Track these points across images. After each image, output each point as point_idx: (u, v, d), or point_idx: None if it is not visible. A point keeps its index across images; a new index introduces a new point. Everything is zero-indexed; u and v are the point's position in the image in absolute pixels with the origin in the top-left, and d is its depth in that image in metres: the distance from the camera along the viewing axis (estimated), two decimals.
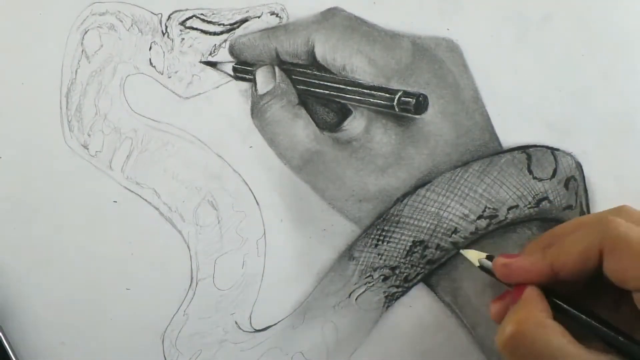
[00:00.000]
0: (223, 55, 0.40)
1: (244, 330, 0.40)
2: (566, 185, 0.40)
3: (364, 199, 0.39)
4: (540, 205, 0.40)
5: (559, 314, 0.32)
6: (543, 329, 0.31)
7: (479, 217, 0.39)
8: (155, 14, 0.39)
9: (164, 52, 0.39)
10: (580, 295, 0.33)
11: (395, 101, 0.37)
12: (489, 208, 0.39)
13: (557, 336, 0.30)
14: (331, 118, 0.40)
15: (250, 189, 0.40)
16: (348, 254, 0.40)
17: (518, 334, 0.31)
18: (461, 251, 0.37)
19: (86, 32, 0.39)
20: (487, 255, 0.36)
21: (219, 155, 0.39)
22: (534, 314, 0.32)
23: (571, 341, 0.30)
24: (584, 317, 0.32)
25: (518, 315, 0.32)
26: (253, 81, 0.39)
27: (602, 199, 0.41)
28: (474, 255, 0.36)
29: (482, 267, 0.36)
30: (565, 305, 0.32)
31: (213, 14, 0.40)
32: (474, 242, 0.39)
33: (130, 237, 0.39)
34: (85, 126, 0.39)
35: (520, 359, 0.31)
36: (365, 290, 0.40)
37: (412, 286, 0.40)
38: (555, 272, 0.32)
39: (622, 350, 0.30)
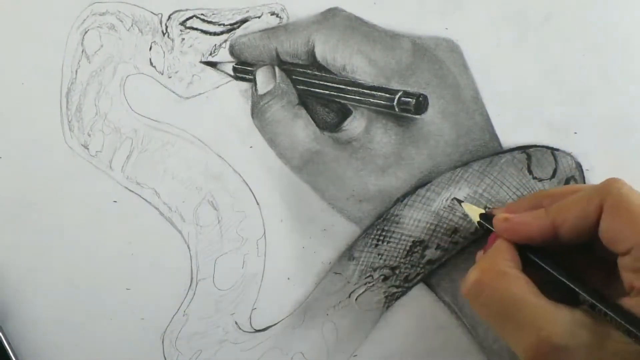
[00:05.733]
0: (223, 55, 0.40)
1: (244, 330, 0.40)
2: None
3: (364, 199, 0.39)
4: None
5: (532, 270, 0.32)
6: (504, 277, 0.31)
7: None
8: (155, 14, 0.39)
9: (164, 52, 0.39)
10: (573, 265, 0.33)
11: (395, 101, 0.37)
12: (489, 208, 0.39)
13: (518, 285, 0.30)
14: (331, 118, 0.40)
15: (250, 189, 0.40)
16: (348, 254, 0.40)
17: (480, 281, 0.31)
18: (463, 205, 0.37)
19: (86, 32, 0.39)
20: (485, 211, 0.36)
21: (219, 155, 0.39)
22: (498, 263, 0.32)
23: (533, 292, 0.30)
24: (550, 270, 0.32)
25: (483, 264, 0.33)
26: (253, 81, 0.39)
27: None
28: (474, 212, 0.36)
29: (480, 223, 0.36)
30: (534, 258, 0.33)
31: (213, 14, 0.40)
32: (474, 242, 0.39)
33: (130, 237, 0.39)
34: (86, 126, 0.39)
35: (482, 306, 0.31)
36: (365, 290, 0.40)
37: (412, 286, 0.40)
38: (556, 228, 0.32)
39: (589, 304, 0.30)
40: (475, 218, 0.36)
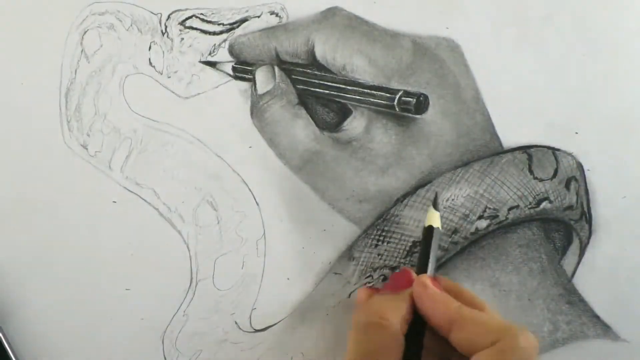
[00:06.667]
0: (222, 55, 0.40)
1: (244, 331, 0.40)
2: (567, 186, 0.40)
3: (364, 199, 0.39)
4: (541, 206, 0.40)
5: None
6: (385, 332, 0.31)
7: (480, 217, 0.39)
8: (154, 14, 0.39)
9: (163, 52, 0.39)
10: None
11: (396, 101, 0.37)
12: (490, 208, 0.39)
13: (390, 346, 0.31)
14: (331, 118, 0.40)
15: (250, 189, 0.39)
16: (348, 254, 0.40)
17: (366, 322, 0.32)
18: (431, 208, 0.36)
19: (86, 32, 0.39)
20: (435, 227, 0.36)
21: (219, 155, 0.39)
22: (391, 315, 0.32)
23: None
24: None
25: (382, 305, 0.33)
26: (253, 81, 0.39)
27: (603, 199, 0.41)
28: (433, 218, 0.36)
29: (426, 231, 0.35)
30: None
31: (212, 13, 0.39)
32: (474, 242, 0.39)
33: (130, 237, 0.39)
34: (85, 126, 0.39)
35: (353, 338, 0.32)
36: None
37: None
38: (449, 331, 0.31)
39: None
40: (427, 223, 0.36)
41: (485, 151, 0.40)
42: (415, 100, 0.37)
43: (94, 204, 0.39)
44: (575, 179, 0.40)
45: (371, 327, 0.32)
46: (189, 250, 0.39)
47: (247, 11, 0.40)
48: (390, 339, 0.31)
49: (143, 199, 0.39)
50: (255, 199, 0.39)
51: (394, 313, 0.32)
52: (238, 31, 0.40)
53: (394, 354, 0.31)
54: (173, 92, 0.39)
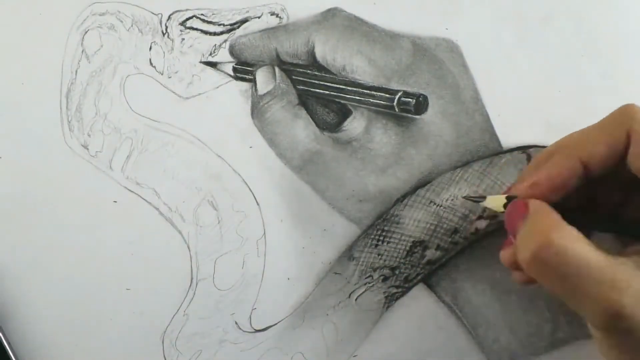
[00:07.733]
0: (223, 55, 0.40)
1: (244, 331, 0.40)
2: None
3: (364, 199, 0.39)
4: None
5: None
6: (569, 237, 0.27)
7: (479, 218, 0.39)
8: (155, 14, 0.39)
9: (164, 52, 0.39)
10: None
11: (395, 101, 0.37)
12: (489, 208, 0.39)
13: (580, 251, 0.27)
14: (331, 118, 0.40)
15: (250, 189, 0.40)
16: (348, 254, 0.40)
17: (545, 245, 0.27)
18: (488, 197, 0.34)
19: (86, 32, 0.39)
20: (506, 197, 0.33)
21: (219, 155, 0.39)
22: (555, 223, 0.28)
23: (596, 249, 0.27)
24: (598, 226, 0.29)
25: (537, 228, 0.28)
26: (253, 81, 0.40)
27: None
28: (498, 203, 0.33)
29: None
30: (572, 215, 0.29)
31: (213, 14, 0.40)
32: (474, 242, 0.39)
33: (130, 237, 0.39)
34: (85, 126, 0.39)
35: (551, 275, 0.28)
36: (365, 290, 0.40)
37: (412, 286, 0.40)
38: (585, 165, 0.30)
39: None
40: (500, 209, 0.33)
41: (485, 151, 0.40)
42: (414, 100, 0.37)
43: (95, 204, 0.39)
44: None
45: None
46: (189, 250, 0.39)
47: (247, 12, 0.40)
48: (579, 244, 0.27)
49: (143, 199, 0.39)
50: (255, 199, 0.40)
51: (552, 228, 0.28)
52: (239, 32, 0.40)
53: None
54: (174, 93, 0.40)
